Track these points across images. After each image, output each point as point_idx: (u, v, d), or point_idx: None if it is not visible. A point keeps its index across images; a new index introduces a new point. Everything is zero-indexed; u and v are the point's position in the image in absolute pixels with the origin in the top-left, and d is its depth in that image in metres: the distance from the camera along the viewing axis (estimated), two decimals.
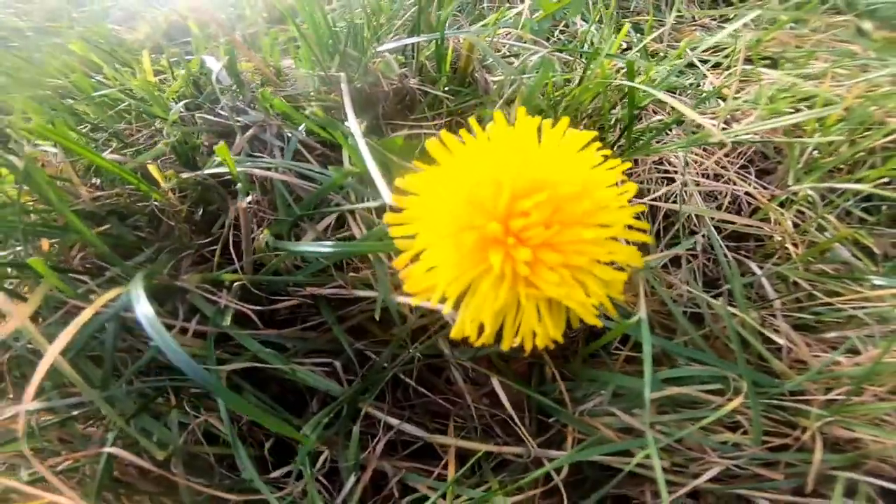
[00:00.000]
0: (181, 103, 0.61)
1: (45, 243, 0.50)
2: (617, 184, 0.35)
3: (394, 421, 0.55)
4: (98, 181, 0.56)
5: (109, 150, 0.59)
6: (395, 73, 0.60)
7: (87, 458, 0.46)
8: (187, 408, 0.50)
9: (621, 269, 0.37)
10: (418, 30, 0.65)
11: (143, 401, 0.45)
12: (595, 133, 0.36)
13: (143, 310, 0.38)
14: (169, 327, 0.48)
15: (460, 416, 0.60)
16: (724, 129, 0.74)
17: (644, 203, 0.66)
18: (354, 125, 0.51)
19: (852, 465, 0.50)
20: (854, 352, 0.57)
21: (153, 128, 0.63)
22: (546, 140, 0.36)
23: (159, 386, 0.47)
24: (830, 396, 0.52)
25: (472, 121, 0.37)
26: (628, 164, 0.36)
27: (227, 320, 0.49)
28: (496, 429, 0.59)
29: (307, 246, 0.46)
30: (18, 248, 0.48)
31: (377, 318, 0.49)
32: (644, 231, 0.36)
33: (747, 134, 0.60)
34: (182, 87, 0.67)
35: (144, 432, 0.47)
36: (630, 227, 0.36)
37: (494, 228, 0.31)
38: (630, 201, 0.37)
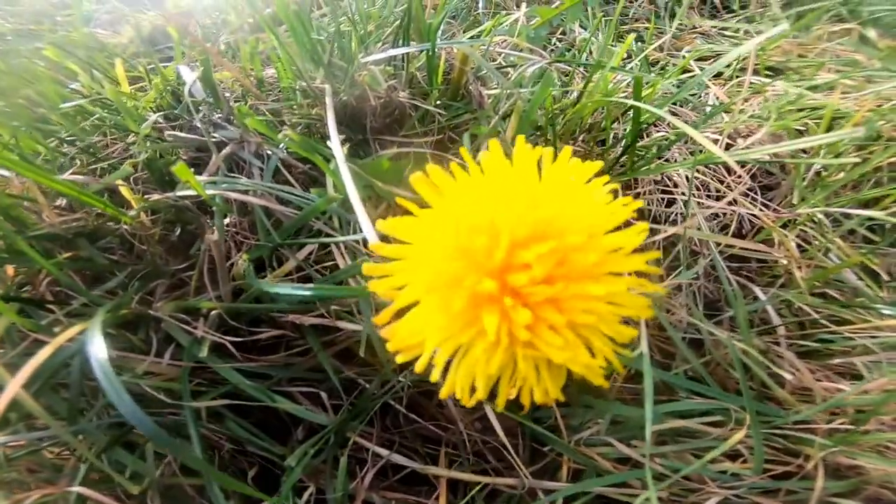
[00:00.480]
0: (154, 116, 0.56)
1: (9, 269, 0.45)
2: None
3: (383, 451, 0.52)
4: (63, 201, 0.51)
5: (74, 168, 0.54)
6: (381, 86, 0.56)
7: (58, 493, 0.43)
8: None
9: (628, 322, 0.33)
10: (407, 39, 0.60)
11: (115, 433, 0.41)
12: (601, 164, 0.32)
13: (97, 352, 0.34)
14: (143, 357, 0.45)
15: (452, 441, 0.57)
16: (728, 144, 0.70)
17: (645, 226, 0.62)
18: (337, 147, 0.47)
19: (852, 491, 0.48)
20: (858, 377, 0.55)
21: (126, 142, 0.58)
22: (548, 175, 0.31)
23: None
24: (834, 425, 0.50)
25: (462, 150, 0.32)
26: (640, 203, 0.32)
27: (204, 351, 0.45)
28: (488, 456, 0.56)
29: (281, 288, 0.41)
30: None
31: (361, 353, 0.45)
32: (659, 279, 0.31)
33: (756, 153, 0.55)
34: (157, 97, 0.62)
35: (119, 465, 0.43)
36: (642, 274, 0.31)
37: (489, 287, 0.27)
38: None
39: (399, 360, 0.30)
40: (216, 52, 0.60)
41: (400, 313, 0.30)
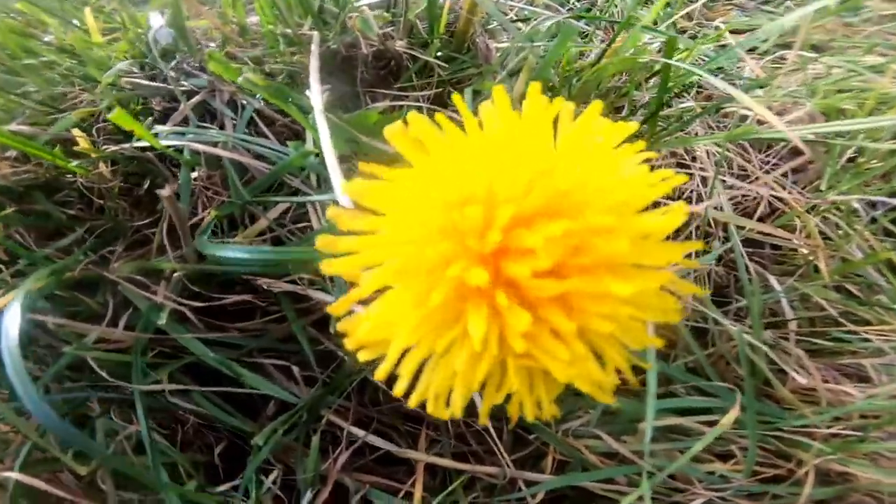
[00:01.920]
0: (119, 65, 0.48)
1: None
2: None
3: (359, 431, 0.46)
4: (15, 153, 0.43)
5: (21, 119, 0.46)
6: (373, 31, 0.46)
7: None
8: (114, 416, 0.39)
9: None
10: None
11: (63, 408, 0.35)
12: (635, 125, 0.23)
13: (9, 330, 0.27)
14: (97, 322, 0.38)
15: (433, 422, 0.51)
16: (759, 121, 0.59)
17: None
18: (317, 97, 0.38)
19: (838, 497, 0.45)
20: (866, 380, 0.49)
21: (93, 94, 0.49)
22: (566, 136, 0.22)
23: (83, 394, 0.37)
24: (834, 430, 0.46)
25: (456, 98, 0.23)
26: (684, 178, 0.22)
27: (163, 318, 0.38)
28: (470, 439, 0.50)
29: (233, 251, 0.34)
30: None
31: (332, 330, 0.38)
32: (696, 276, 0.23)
33: (804, 133, 0.45)
34: (129, 47, 0.53)
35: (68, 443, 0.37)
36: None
37: (479, 278, 0.18)
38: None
39: (361, 358, 0.22)
40: None
41: (365, 303, 0.22)
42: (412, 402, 0.22)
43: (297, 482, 0.44)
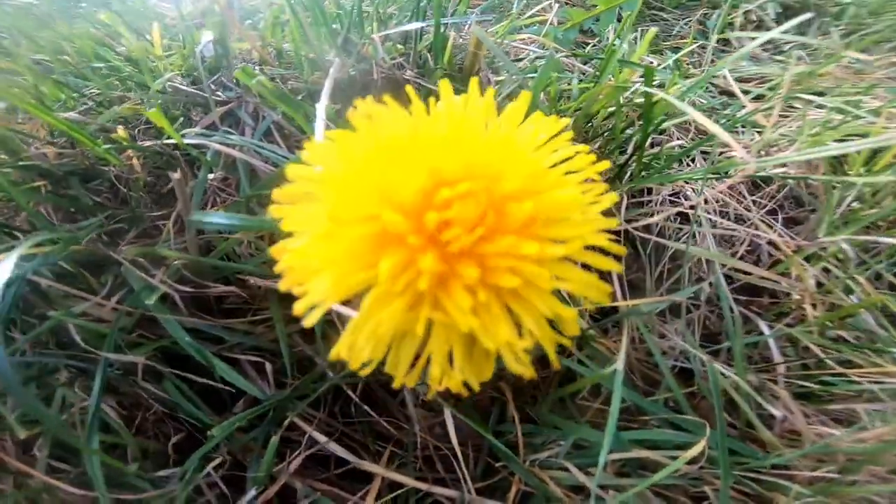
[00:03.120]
0: (169, 74, 0.54)
1: None
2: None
3: (320, 437, 0.46)
4: (65, 140, 0.49)
5: (79, 110, 0.52)
6: (379, 55, 0.50)
7: None
8: (77, 389, 0.41)
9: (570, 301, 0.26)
10: (419, 16, 0.55)
11: (28, 373, 0.37)
12: (567, 120, 0.25)
13: None
14: (87, 297, 0.41)
15: (402, 442, 0.50)
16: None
17: (650, 238, 0.54)
18: (321, 107, 0.42)
19: None
20: (852, 424, 0.46)
21: (143, 98, 0.56)
22: (500, 123, 0.24)
23: (54, 360, 0.39)
24: (818, 473, 0.43)
25: (408, 89, 0.26)
26: (606, 164, 0.24)
27: (153, 299, 0.41)
28: (438, 464, 0.49)
29: (209, 216, 0.37)
30: None
31: (307, 326, 0.39)
32: (617, 257, 0.24)
33: (780, 167, 0.46)
34: (182, 61, 0.60)
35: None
36: (596, 248, 0.23)
37: (395, 221, 0.20)
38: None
39: (282, 287, 0.23)
40: (236, 21, 0.57)
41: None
42: (331, 354, 0.23)
43: (245, 479, 0.42)
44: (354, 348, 0.22)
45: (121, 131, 0.47)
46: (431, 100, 0.26)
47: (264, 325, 0.49)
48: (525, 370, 0.21)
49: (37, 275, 0.38)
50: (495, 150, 0.22)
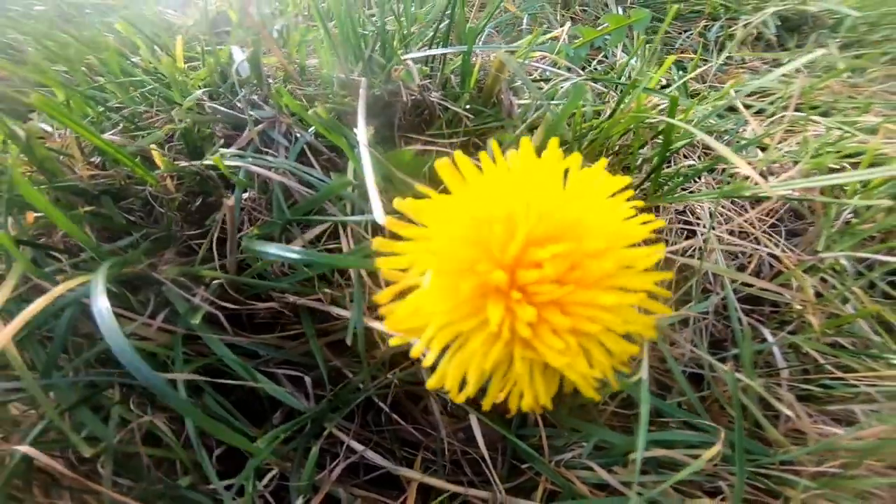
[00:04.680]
0: (199, 92, 0.55)
1: (30, 216, 0.44)
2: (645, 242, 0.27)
3: (358, 446, 0.48)
4: (98, 160, 0.50)
5: (115, 130, 0.53)
6: (415, 82, 0.52)
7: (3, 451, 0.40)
8: (132, 406, 0.43)
9: (631, 339, 0.29)
10: (446, 41, 0.57)
11: (85, 392, 0.39)
12: (629, 179, 0.28)
13: (100, 303, 0.32)
14: (134, 317, 0.43)
15: (431, 448, 0.53)
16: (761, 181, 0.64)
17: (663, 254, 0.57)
18: (362, 133, 0.44)
19: None
20: (851, 424, 0.51)
21: (170, 114, 0.57)
22: (573, 181, 0.28)
23: (108, 380, 0.41)
24: (822, 469, 0.46)
25: (493, 143, 0.29)
26: (662, 223, 0.28)
27: (198, 318, 0.43)
28: (466, 467, 0.52)
29: (268, 247, 0.39)
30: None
31: (349, 342, 0.41)
32: (666, 301, 0.28)
33: (787, 190, 0.50)
34: (207, 76, 0.61)
35: (81, 426, 0.40)
36: (651, 294, 0.28)
37: (499, 277, 0.24)
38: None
39: (392, 343, 0.27)
40: (268, 37, 0.58)
41: (402, 295, 0.27)
42: (431, 383, 0.26)
43: (289, 490, 0.45)
44: (456, 378, 0.25)
45: (156, 153, 0.49)
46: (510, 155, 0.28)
47: (294, 340, 0.51)
48: (594, 394, 0.25)
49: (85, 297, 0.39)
50: (576, 209, 0.25)
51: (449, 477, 0.50)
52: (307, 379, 0.47)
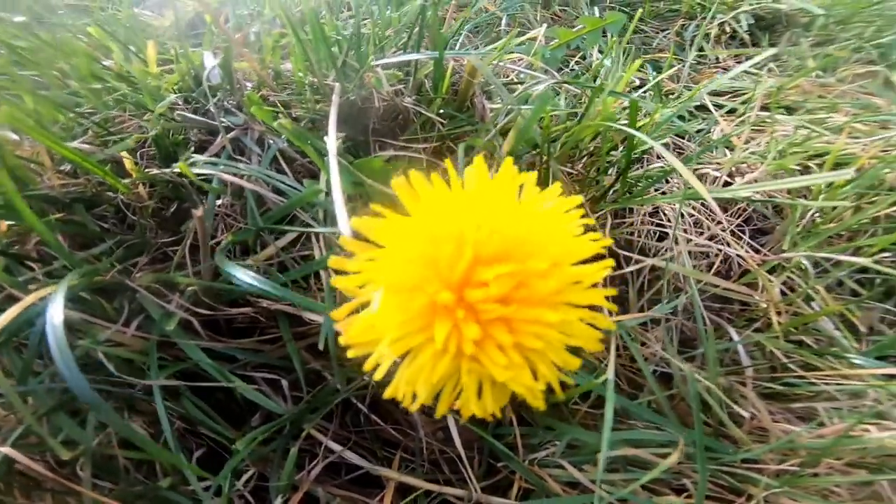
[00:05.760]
0: (171, 97, 0.55)
1: (2, 224, 0.44)
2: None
3: (336, 446, 0.49)
4: (69, 167, 0.50)
5: (84, 137, 0.53)
6: (384, 87, 0.53)
7: None
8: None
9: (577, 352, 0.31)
10: (418, 47, 0.57)
11: (62, 398, 0.40)
12: (580, 198, 0.30)
13: (55, 319, 0.32)
14: (109, 324, 0.43)
15: (409, 447, 0.54)
16: (727, 182, 0.65)
17: (632, 256, 0.58)
18: (332, 141, 0.44)
19: None
20: (820, 423, 0.52)
21: (142, 120, 0.57)
22: (526, 199, 0.29)
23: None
24: (783, 466, 0.48)
25: (447, 163, 0.30)
26: (609, 241, 0.29)
27: (172, 325, 0.43)
28: (444, 466, 0.53)
29: (237, 271, 0.39)
30: None
31: (321, 346, 0.42)
32: (611, 315, 0.29)
33: (746, 192, 0.51)
34: (180, 80, 0.60)
35: (58, 431, 0.41)
36: (597, 308, 0.29)
37: (446, 298, 0.25)
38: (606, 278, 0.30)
39: (350, 354, 0.28)
40: (240, 42, 0.58)
41: (359, 310, 0.29)
42: (387, 393, 0.28)
43: (268, 490, 0.46)
44: (408, 391, 0.27)
45: (127, 161, 0.49)
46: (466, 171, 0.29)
47: (272, 344, 0.52)
48: (540, 404, 0.26)
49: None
50: (524, 229, 0.27)
51: (427, 476, 0.51)
52: (284, 382, 0.48)
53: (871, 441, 0.46)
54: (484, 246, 0.25)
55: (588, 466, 0.51)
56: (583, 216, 0.29)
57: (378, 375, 0.27)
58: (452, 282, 0.25)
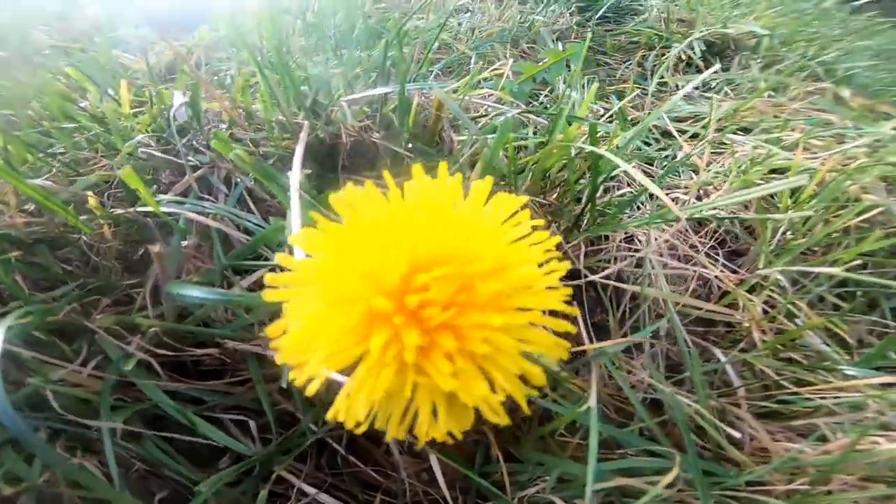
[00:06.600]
0: (140, 137, 0.55)
1: None
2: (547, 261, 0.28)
3: (310, 489, 0.47)
4: (33, 207, 0.49)
5: (48, 175, 0.52)
6: (348, 122, 0.54)
7: None
8: (60, 448, 0.41)
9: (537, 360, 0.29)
10: (384, 78, 0.59)
11: (11, 433, 0.37)
12: (526, 198, 0.29)
13: None
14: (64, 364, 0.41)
15: (391, 490, 0.51)
16: (695, 203, 0.66)
17: (610, 283, 0.58)
18: (295, 175, 0.44)
19: None
20: (821, 439, 0.50)
21: (112, 161, 0.56)
22: (467, 204, 0.29)
23: (34, 424, 0.39)
24: (792, 486, 0.45)
25: (385, 173, 0.30)
26: (557, 239, 0.29)
27: (130, 365, 0.42)
28: None
29: (193, 290, 0.38)
30: None
31: (283, 385, 0.41)
32: (571, 318, 0.28)
33: (713, 210, 0.52)
34: (151, 121, 0.61)
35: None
36: (555, 312, 0.28)
37: (382, 305, 0.24)
38: (563, 281, 0.29)
39: (291, 376, 0.26)
40: (207, 82, 0.59)
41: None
42: (329, 415, 0.26)
43: None
44: (350, 411, 0.25)
45: (91, 199, 0.48)
46: (405, 184, 0.29)
47: (242, 386, 0.50)
48: (500, 419, 0.25)
49: (9, 343, 0.38)
50: (464, 233, 0.26)
51: None
52: (252, 423, 0.46)
53: (882, 453, 0.44)
54: (422, 251, 0.25)
55: (579, 501, 0.48)
56: (533, 217, 0.28)
57: (309, 392, 0.25)
58: (390, 289, 0.24)
